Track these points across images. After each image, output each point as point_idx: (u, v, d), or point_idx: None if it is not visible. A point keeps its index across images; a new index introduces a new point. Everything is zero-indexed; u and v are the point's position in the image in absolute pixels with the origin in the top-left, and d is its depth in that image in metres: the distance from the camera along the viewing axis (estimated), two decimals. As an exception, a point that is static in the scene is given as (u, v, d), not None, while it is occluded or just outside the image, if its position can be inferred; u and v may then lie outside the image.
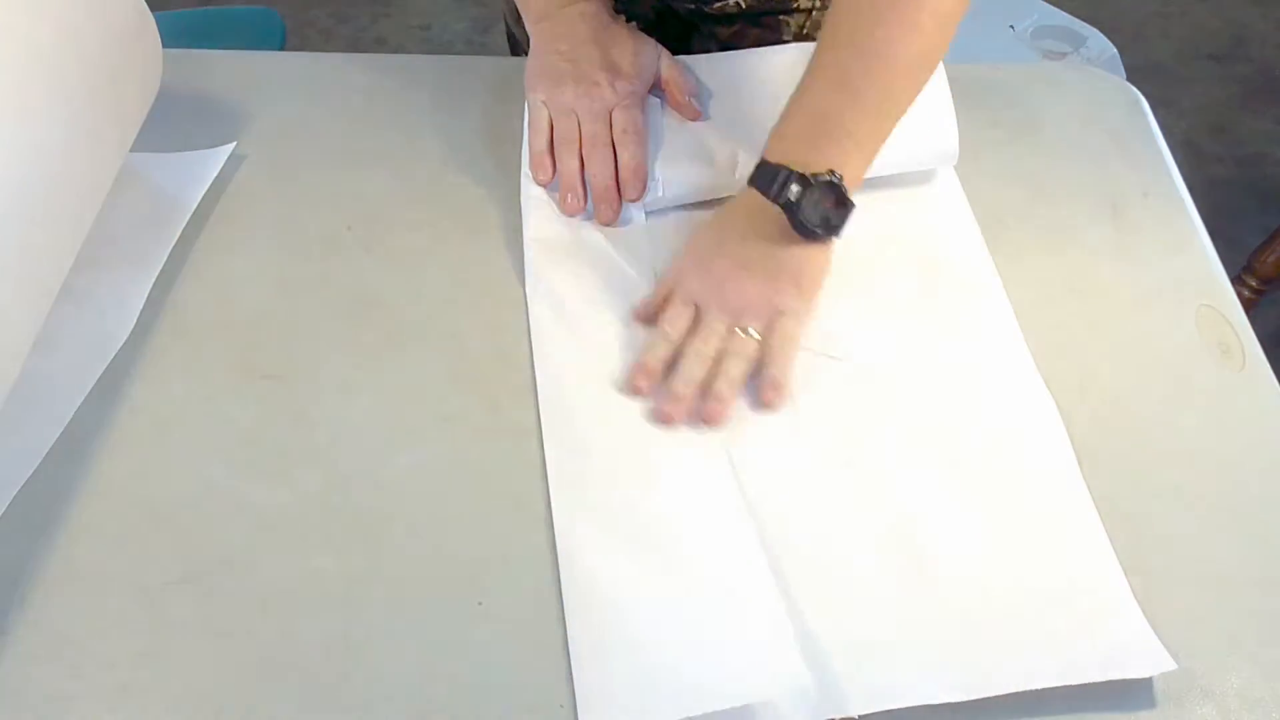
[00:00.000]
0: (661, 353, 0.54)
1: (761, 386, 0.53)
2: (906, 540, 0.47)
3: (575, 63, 0.63)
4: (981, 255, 0.59)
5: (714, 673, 0.43)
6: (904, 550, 0.47)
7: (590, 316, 0.56)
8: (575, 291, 0.57)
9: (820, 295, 0.56)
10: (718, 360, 0.53)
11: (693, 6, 0.73)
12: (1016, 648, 0.44)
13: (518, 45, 0.87)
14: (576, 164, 0.62)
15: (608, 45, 0.64)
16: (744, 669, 0.42)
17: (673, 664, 0.43)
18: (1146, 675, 0.43)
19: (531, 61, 0.65)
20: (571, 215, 0.61)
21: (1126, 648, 0.44)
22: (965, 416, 0.52)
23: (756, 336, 0.54)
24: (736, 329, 0.54)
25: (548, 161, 0.62)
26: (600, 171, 0.61)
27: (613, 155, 0.61)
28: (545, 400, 0.53)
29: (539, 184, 0.62)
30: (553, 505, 0.48)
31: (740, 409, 0.52)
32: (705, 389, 0.52)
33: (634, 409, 0.52)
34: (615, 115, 0.62)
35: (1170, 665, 0.43)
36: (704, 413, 0.51)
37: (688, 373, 0.53)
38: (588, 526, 0.48)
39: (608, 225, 0.61)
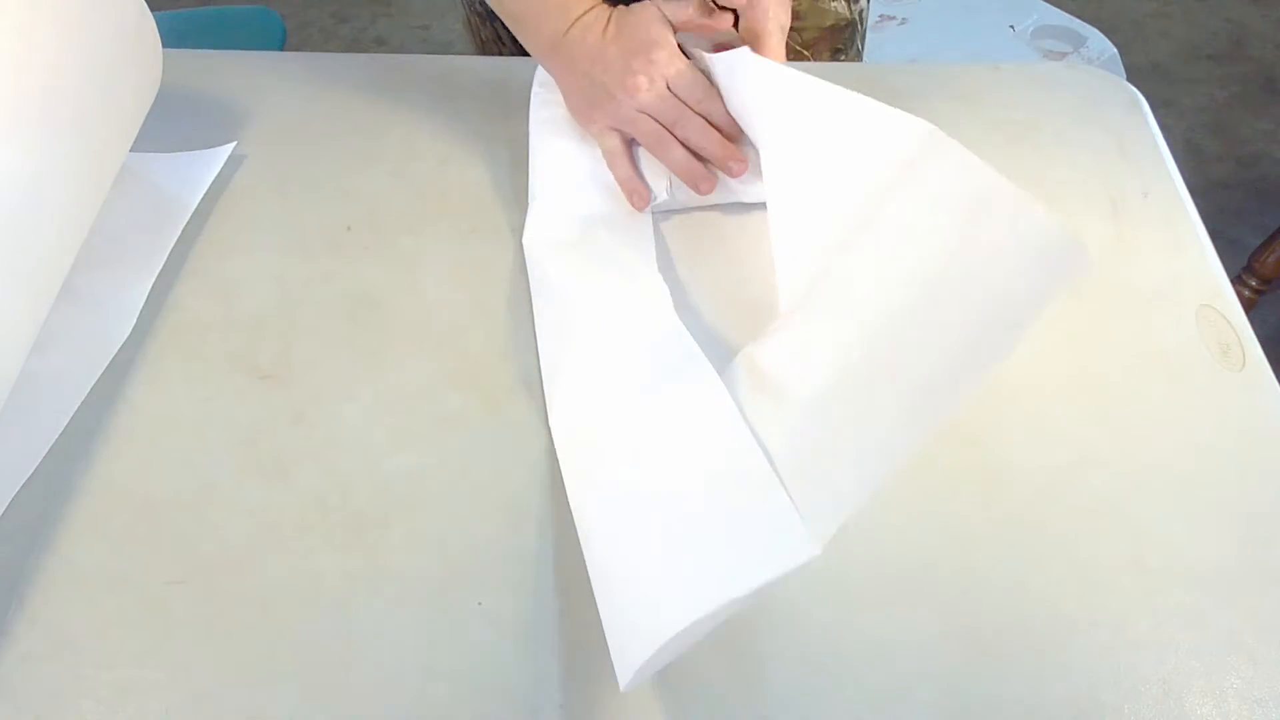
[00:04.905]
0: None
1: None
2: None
3: (606, 71, 0.61)
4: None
5: (725, 565, 0.41)
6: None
7: (595, 314, 0.56)
8: (579, 289, 0.57)
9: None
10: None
11: None
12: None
13: (486, 46, 0.86)
14: (683, 151, 0.60)
15: (621, 37, 0.62)
16: (752, 553, 0.41)
17: (685, 569, 0.41)
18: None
19: (568, 97, 0.64)
20: (707, 195, 0.61)
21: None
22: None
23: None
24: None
25: (640, 185, 0.61)
26: (705, 140, 0.60)
27: (703, 119, 0.60)
28: (552, 394, 0.52)
29: (637, 209, 0.61)
30: (567, 491, 0.48)
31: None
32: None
33: (642, 401, 0.51)
34: (673, 85, 0.61)
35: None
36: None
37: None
38: (598, 502, 0.47)
39: (740, 176, 0.60)
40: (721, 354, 0.54)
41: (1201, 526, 0.49)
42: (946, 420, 0.41)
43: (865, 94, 0.57)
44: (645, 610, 0.41)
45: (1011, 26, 1.67)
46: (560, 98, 0.66)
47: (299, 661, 0.44)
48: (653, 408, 0.49)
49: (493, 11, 0.80)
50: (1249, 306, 1.41)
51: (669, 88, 0.60)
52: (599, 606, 0.43)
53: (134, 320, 0.56)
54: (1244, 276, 1.44)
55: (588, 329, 0.54)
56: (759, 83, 0.58)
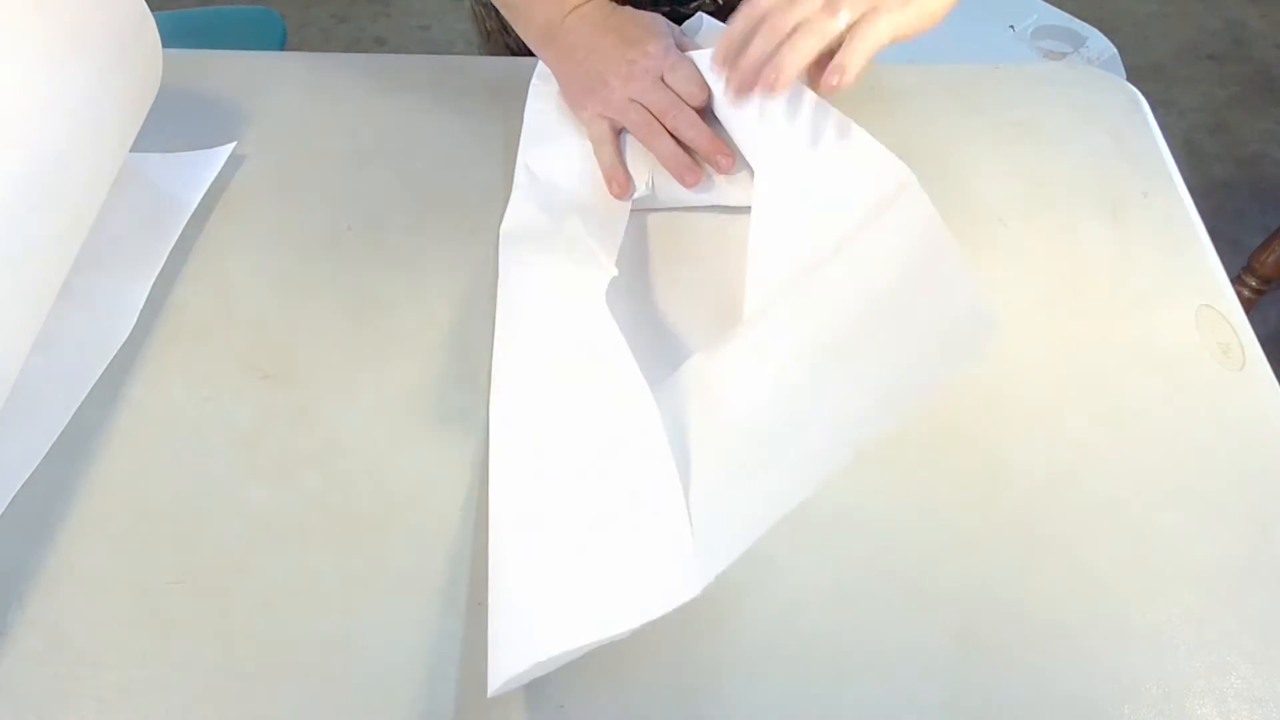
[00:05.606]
0: (739, 26, 0.53)
1: (827, 68, 0.51)
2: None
3: (602, 59, 0.61)
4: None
5: (609, 599, 0.41)
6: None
7: (540, 306, 0.55)
8: (533, 280, 0.57)
9: (924, 19, 0.55)
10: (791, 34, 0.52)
11: (667, 9, 0.73)
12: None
13: (492, 36, 0.86)
14: (671, 142, 0.60)
15: (619, 29, 0.63)
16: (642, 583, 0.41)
17: (572, 596, 0.42)
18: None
19: (563, 85, 0.64)
20: (694, 187, 0.60)
21: None
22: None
23: (843, 25, 0.51)
24: (825, 12, 0.52)
25: (621, 174, 0.61)
26: (695, 132, 0.60)
27: (695, 112, 0.60)
28: (494, 383, 0.53)
29: (615, 197, 0.61)
30: (489, 481, 0.48)
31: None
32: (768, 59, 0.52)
33: (569, 407, 0.51)
34: (667, 77, 0.60)
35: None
36: (763, 78, 0.51)
37: (754, 49, 0.52)
38: (511, 501, 0.47)
39: (729, 172, 0.60)
40: (683, 356, 0.53)
41: (1201, 526, 0.49)
42: (842, 465, 0.41)
43: (865, 94, 0.58)
44: (527, 627, 0.42)
45: (1011, 26, 1.67)
46: (557, 89, 0.66)
47: (299, 661, 0.44)
48: (579, 415, 0.49)
49: None
50: (1249, 306, 1.41)
51: (663, 79, 0.61)
52: (489, 604, 0.43)
53: (134, 320, 0.56)
54: (1244, 276, 1.44)
55: (532, 322, 0.54)
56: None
